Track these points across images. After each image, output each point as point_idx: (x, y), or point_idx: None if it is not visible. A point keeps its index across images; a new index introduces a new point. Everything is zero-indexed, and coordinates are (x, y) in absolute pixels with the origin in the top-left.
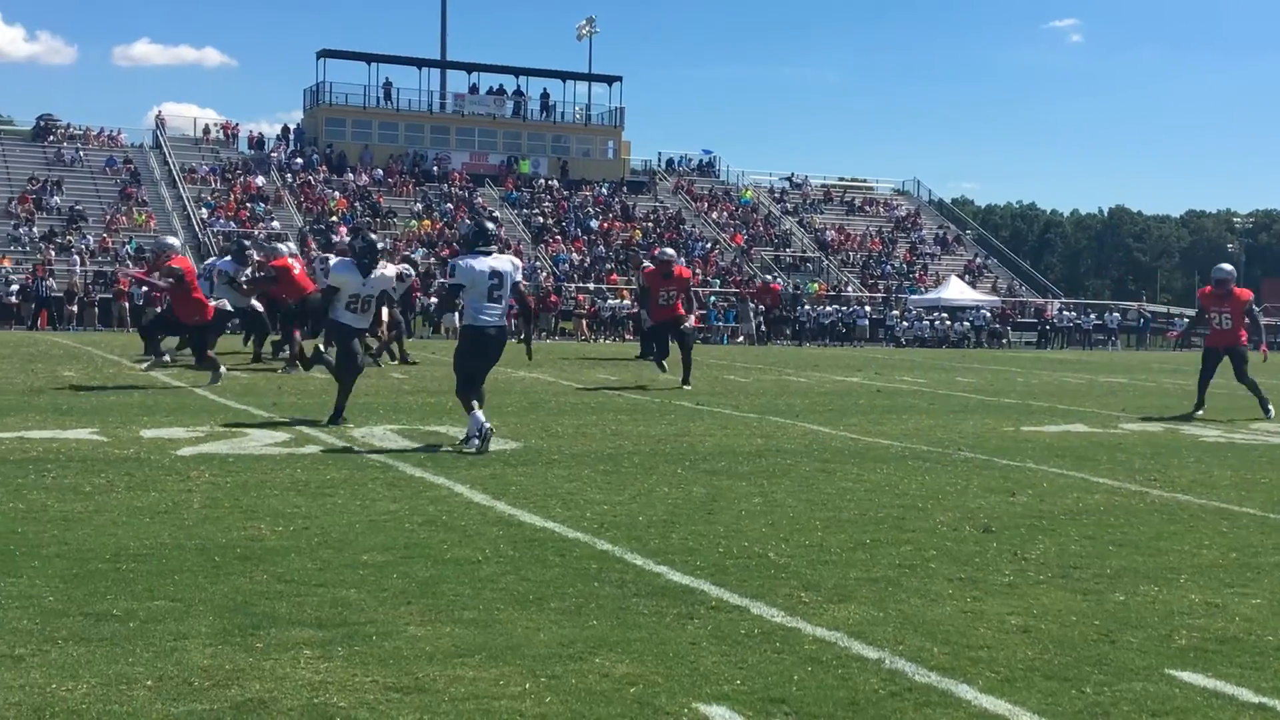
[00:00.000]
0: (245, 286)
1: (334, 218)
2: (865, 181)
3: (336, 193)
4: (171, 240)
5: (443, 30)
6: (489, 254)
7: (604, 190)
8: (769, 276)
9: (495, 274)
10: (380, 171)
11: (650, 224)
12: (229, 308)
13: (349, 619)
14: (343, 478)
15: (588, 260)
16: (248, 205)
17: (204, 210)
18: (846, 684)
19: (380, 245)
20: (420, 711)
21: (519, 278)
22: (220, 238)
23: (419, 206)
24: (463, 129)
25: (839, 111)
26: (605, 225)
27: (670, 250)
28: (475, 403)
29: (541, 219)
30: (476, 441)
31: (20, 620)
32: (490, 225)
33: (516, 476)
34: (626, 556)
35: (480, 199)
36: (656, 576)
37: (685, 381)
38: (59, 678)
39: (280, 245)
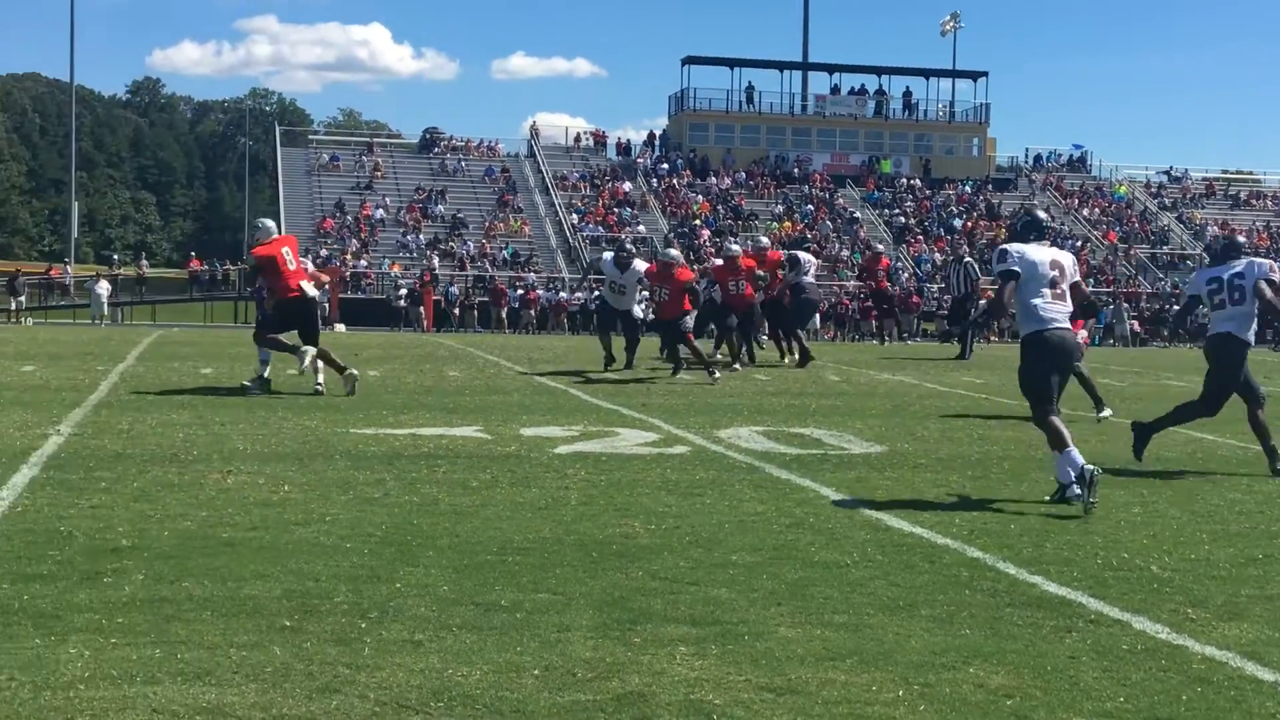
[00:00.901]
0: (623, 290)
1: (696, 221)
2: (1251, 173)
3: (700, 196)
4: (268, 222)
5: (805, 32)
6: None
7: (968, 189)
8: None
9: (1056, 264)
10: (742, 174)
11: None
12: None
13: (721, 618)
14: (710, 478)
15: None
16: (615, 210)
17: (574, 216)
18: (1240, 707)
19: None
20: (794, 713)
21: (1078, 275)
22: (588, 242)
23: (780, 208)
24: (824, 130)
25: (1221, 100)
26: (969, 224)
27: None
28: (1065, 433)
29: (903, 219)
30: (1076, 490)
31: (418, 608)
32: (1042, 214)
33: (883, 480)
34: (999, 565)
35: (841, 199)
36: (1030, 587)
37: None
38: (454, 663)
39: (673, 251)
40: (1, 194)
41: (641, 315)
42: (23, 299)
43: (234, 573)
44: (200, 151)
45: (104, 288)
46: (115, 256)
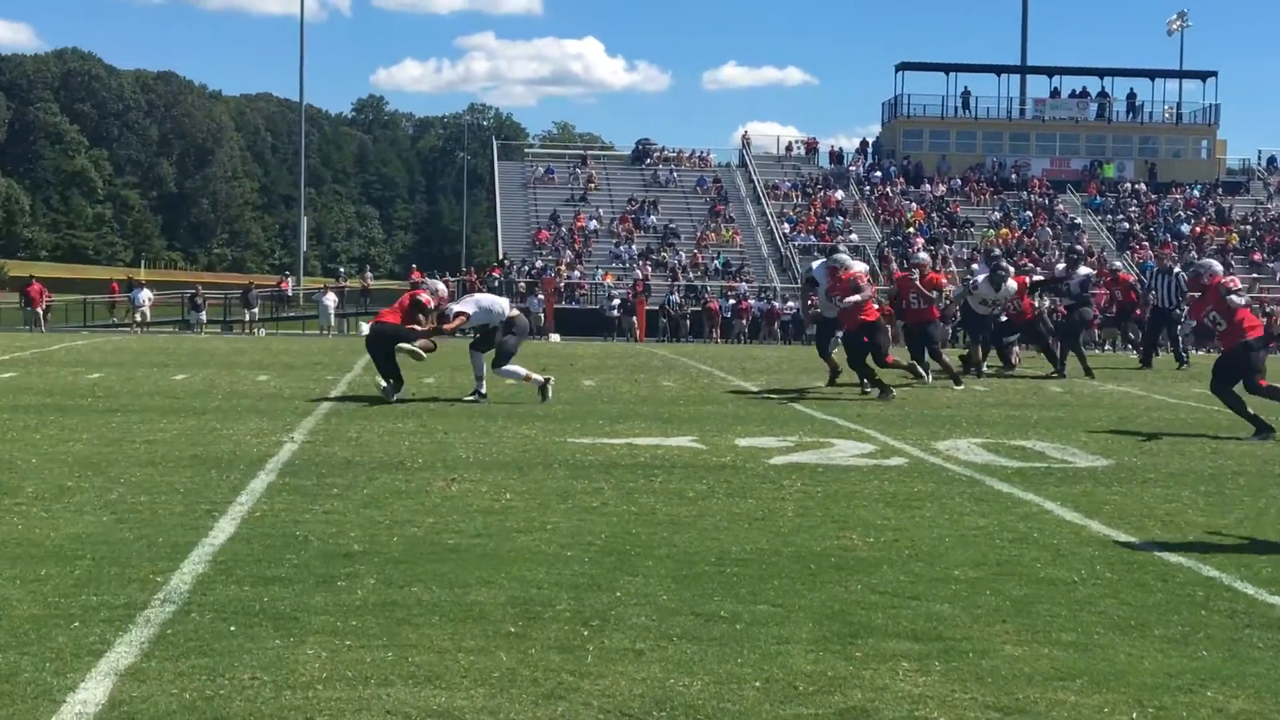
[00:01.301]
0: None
1: (910, 229)
2: None
3: (913, 204)
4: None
5: (1023, 35)
6: None
7: (1196, 193)
8: None
9: None
10: (957, 181)
11: (1248, 227)
12: None
13: (944, 634)
14: (929, 491)
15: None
16: (827, 219)
17: (785, 225)
18: None
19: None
20: None
21: None
22: (799, 251)
23: (997, 215)
24: (1043, 134)
25: None
26: (1197, 230)
27: None
28: None
29: (1127, 224)
30: None
31: (638, 617)
32: None
33: (1110, 495)
34: (1236, 585)
35: (1061, 205)
36: (1270, 607)
37: None
38: (676, 673)
39: (841, 254)
40: (236, 210)
41: None
42: (256, 311)
43: (460, 579)
44: (421, 166)
45: (331, 300)
46: (341, 269)
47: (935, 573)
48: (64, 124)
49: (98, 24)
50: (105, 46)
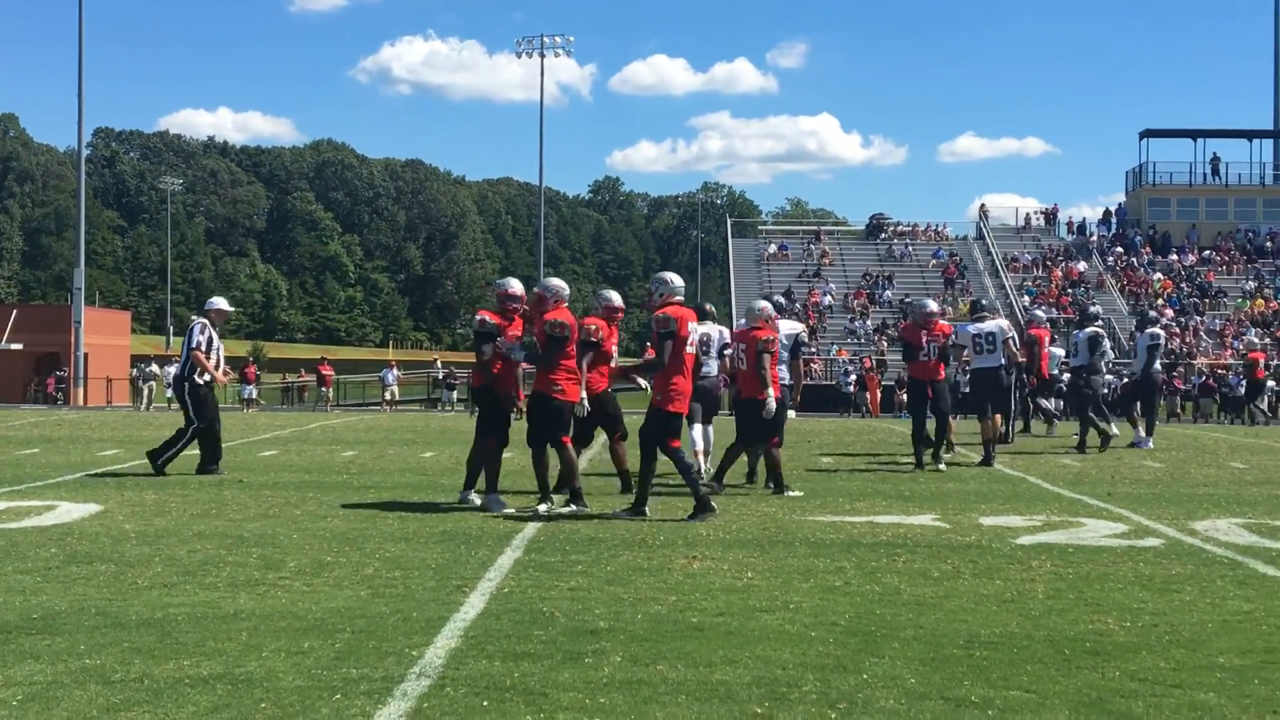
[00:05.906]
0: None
1: (1159, 300)
2: None
3: (1159, 274)
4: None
5: (1276, 98)
6: None
7: None
8: None
9: None
10: (1207, 250)
11: None
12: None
13: None
14: (1188, 573)
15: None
16: (1069, 291)
17: (1025, 297)
18: None
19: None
20: None
21: None
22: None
23: (1250, 285)
24: None
25: None
26: None
27: None
28: None
29: None
30: None
31: (886, 700)
32: None
33: None
34: None
35: None
36: None
37: None
38: None
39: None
40: (478, 291)
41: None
42: None
43: (704, 657)
44: (655, 244)
45: None
46: None
47: (1198, 660)
48: (319, 211)
49: (351, 116)
50: (357, 137)
